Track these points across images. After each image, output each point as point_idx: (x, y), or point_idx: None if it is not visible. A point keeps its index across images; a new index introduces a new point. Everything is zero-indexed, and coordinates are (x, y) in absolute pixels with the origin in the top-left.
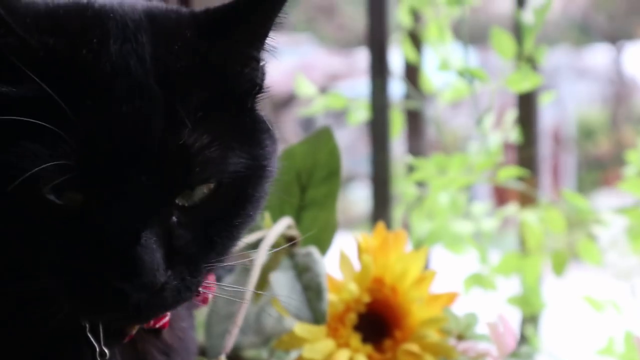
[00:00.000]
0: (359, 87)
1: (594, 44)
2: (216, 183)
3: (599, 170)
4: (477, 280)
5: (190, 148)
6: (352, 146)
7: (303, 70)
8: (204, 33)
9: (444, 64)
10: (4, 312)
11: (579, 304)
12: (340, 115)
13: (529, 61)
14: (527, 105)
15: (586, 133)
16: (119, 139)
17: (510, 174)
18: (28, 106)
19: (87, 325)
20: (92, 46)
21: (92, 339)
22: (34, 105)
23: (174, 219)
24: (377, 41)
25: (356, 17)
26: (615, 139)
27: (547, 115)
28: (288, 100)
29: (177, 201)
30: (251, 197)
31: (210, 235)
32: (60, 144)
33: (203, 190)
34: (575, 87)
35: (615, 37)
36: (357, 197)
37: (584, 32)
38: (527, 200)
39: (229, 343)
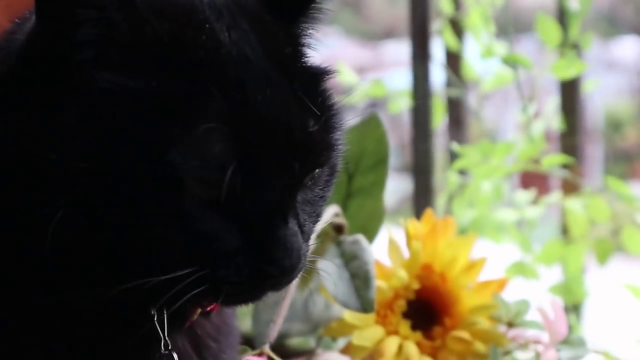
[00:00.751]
0: (389, 79)
1: (621, 36)
2: (329, 165)
3: (627, 162)
4: (519, 269)
5: (318, 133)
6: None
7: (331, 62)
8: (278, 15)
9: (487, 51)
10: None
11: (621, 294)
12: (374, 105)
13: (574, 48)
14: (570, 93)
15: (613, 125)
16: (265, 128)
17: (555, 161)
18: (163, 101)
19: (155, 315)
20: (207, 32)
21: (158, 329)
22: (167, 99)
23: (299, 199)
24: (418, 28)
25: (382, 10)
26: None
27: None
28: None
29: (307, 183)
30: (335, 177)
31: (313, 213)
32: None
33: (322, 172)
34: (603, 79)
35: None
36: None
37: (612, 24)
38: (570, 188)
39: (274, 332)
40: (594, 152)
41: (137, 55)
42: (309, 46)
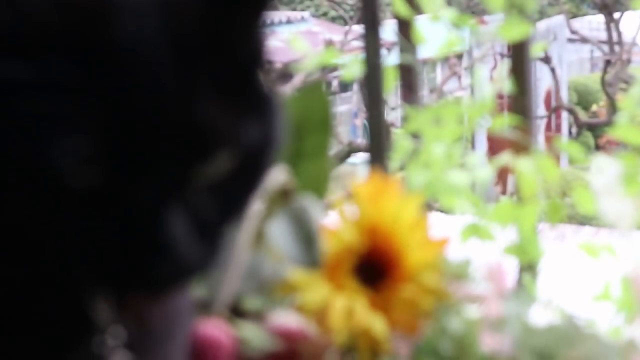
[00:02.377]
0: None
1: (588, 13)
2: (232, 153)
3: (594, 135)
4: (474, 230)
5: (206, 119)
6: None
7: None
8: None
9: (435, 16)
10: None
11: (575, 253)
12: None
13: (520, 11)
14: (519, 55)
15: (583, 98)
16: (139, 112)
17: (503, 122)
18: (39, 87)
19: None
20: (100, 15)
21: (98, 314)
22: (44, 85)
23: (197, 191)
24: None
25: None
26: (610, 103)
27: (541, 80)
28: (287, 72)
29: (198, 173)
30: (262, 166)
31: (229, 204)
32: (81, 122)
33: (221, 161)
34: (570, 54)
35: (609, 6)
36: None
37: (579, 2)
38: (521, 149)
39: (226, 293)
40: (561, 125)
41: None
42: (252, 29)
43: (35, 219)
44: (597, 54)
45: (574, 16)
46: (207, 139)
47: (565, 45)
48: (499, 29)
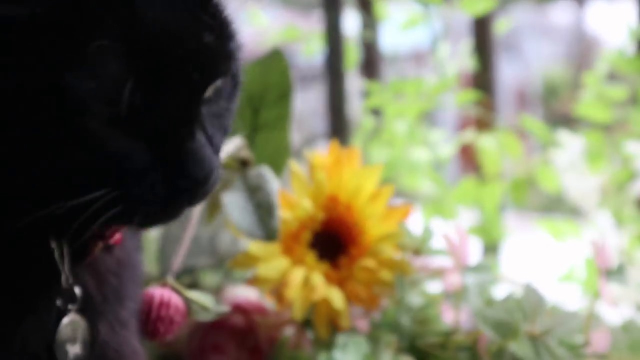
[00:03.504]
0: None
1: (557, 2)
2: (227, 74)
3: (564, 127)
4: (436, 208)
5: (214, 43)
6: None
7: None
8: None
9: None
10: None
11: (539, 234)
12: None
13: None
14: (482, 30)
15: (551, 91)
16: (159, 42)
17: (466, 97)
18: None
19: (56, 249)
20: None
21: (59, 265)
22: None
23: (203, 111)
24: None
25: None
26: (579, 96)
27: (511, 74)
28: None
29: (207, 92)
30: (238, 88)
31: (220, 126)
32: (114, 56)
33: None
34: (539, 46)
35: None
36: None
37: None
38: (485, 126)
39: (176, 263)
40: (532, 118)
41: None
42: None
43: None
44: (568, 45)
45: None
46: (215, 59)
47: (535, 35)
48: (462, 3)
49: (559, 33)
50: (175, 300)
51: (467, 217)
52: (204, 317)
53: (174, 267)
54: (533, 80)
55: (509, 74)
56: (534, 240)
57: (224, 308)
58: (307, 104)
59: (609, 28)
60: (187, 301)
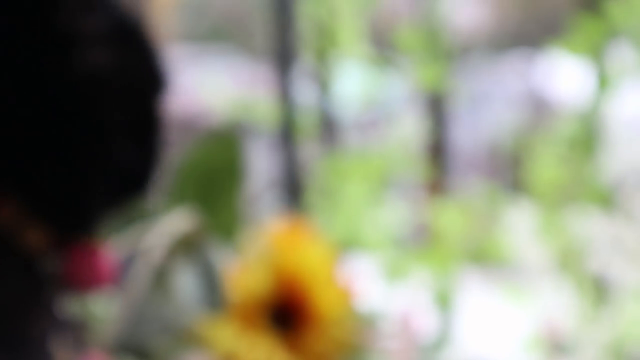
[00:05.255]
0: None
1: (511, 52)
2: None
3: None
4: (392, 275)
5: None
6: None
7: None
8: None
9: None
10: None
11: (495, 299)
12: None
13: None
14: (436, 98)
15: (515, 150)
16: None
17: (421, 167)
18: None
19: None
20: None
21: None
22: None
23: None
24: (281, 45)
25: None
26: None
27: (480, 138)
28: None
29: None
30: None
31: None
32: None
33: None
34: (494, 108)
35: (533, 44)
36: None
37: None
38: (439, 194)
39: (117, 334)
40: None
41: None
42: None
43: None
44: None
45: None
46: None
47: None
48: (418, 76)
49: (510, 94)
50: None
51: (421, 286)
52: None
53: (116, 338)
54: (495, 141)
55: (470, 134)
56: (487, 307)
57: None
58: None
59: (562, 89)
60: None
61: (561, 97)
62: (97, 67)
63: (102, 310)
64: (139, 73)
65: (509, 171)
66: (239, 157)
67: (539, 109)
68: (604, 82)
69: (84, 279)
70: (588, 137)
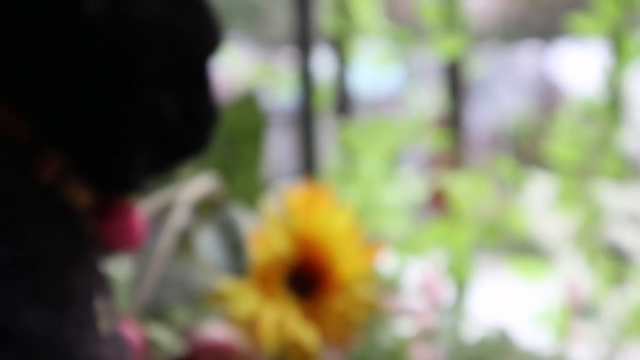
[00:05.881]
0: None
1: (526, 42)
2: None
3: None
4: (406, 249)
5: None
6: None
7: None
8: None
9: (369, 27)
10: None
11: (509, 275)
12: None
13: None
14: (453, 71)
15: (522, 136)
16: None
17: (439, 137)
18: None
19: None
20: None
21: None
22: None
23: None
24: (301, 10)
25: (283, 16)
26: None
27: (482, 118)
28: None
29: None
30: None
31: None
32: None
33: None
34: (509, 91)
35: (549, 35)
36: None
37: (519, 31)
38: (456, 166)
39: (141, 299)
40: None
41: None
42: None
43: None
44: (534, 91)
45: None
46: None
47: (505, 81)
48: (434, 40)
49: (526, 80)
50: (135, 335)
51: (437, 258)
52: (163, 355)
53: (139, 301)
54: (504, 125)
55: (480, 118)
56: (504, 281)
57: (185, 347)
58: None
59: (574, 74)
60: (149, 338)
61: (571, 83)
62: (147, 14)
63: (122, 273)
64: (192, 25)
65: (514, 152)
66: (261, 119)
67: (549, 94)
68: (625, 56)
69: (119, 240)
70: (607, 111)
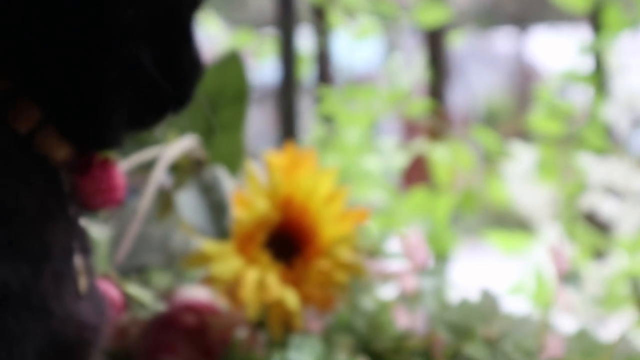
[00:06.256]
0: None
1: (500, 26)
2: None
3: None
4: (386, 218)
5: None
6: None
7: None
8: None
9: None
10: None
11: (491, 248)
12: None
13: None
14: (435, 42)
15: (492, 117)
16: None
17: (419, 106)
18: None
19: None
20: None
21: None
22: None
23: None
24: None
25: None
26: (519, 124)
27: (454, 99)
28: None
29: None
30: None
31: None
32: None
33: None
34: (482, 73)
35: (523, 21)
36: None
37: (491, 17)
38: (437, 136)
39: (120, 257)
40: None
41: None
42: None
43: None
44: (510, 72)
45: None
46: None
47: (477, 63)
48: (417, 13)
49: (500, 61)
50: (113, 292)
51: (418, 226)
52: (142, 314)
53: (118, 260)
54: (475, 106)
55: (455, 97)
56: (483, 252)
57: (163, 305)
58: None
59: (549, 57)
60: (127, 296)
61: (546, 65)
62: None
63: (101, 231)
64: None
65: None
66: (245, 80)
67: (524, 76)
68: (608, 28)
69: (98, 197)
70: (589, 81)
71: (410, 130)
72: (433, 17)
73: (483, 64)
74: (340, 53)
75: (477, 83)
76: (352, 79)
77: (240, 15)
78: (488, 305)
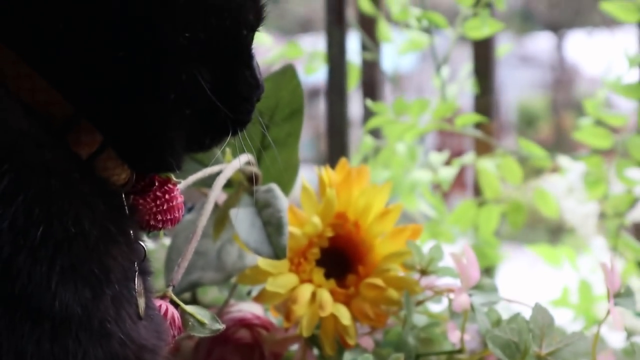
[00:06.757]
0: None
1: (535, 32)
2: None
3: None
4: (433, 230)
5: None
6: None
7: None
8: None
9: (402, 13)
10: None
11: (535, 258)
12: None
13: (487, 7)
14: (483, 54)
15: (527, 119)
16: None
17: (468, 120)
18: None
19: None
20: None
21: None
22: None
23: None
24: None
25: (298, 3)
26: (555, 125)
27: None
28: None
29: None
30: None
31: None
32: None
33: None
34: (517, 74)
35: (557, 25)
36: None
37: (526, 20)
38: (483, 149)
39: (177, 276)
40: (508, 145)
41: None
42: None
43: None
44: (545, 74)
45: (521, 34)
46: None
47: (513, 64)
48: (467, 26)
49: (537, 62)
50: (172, 312)
51: (467, 239)
52: (199, 332)
53: (176, 280)
54: (510, 108)
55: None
56: (529, 265)
57: (221, 325)
58: None
59: (587, 58)
60: (185, 315)
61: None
62: None
63: (160, 250)
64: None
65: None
66: (299, 95)
67: (565, 79)
68: None
69: (160, 217)
70: (635, 92)
71: (445, 136)
72: (482, 31)
73: (519, 64)
74: (387, 61)
75: (511, 83)
76: (393, 80)
77: (277, 21)
78: (541, 321)
